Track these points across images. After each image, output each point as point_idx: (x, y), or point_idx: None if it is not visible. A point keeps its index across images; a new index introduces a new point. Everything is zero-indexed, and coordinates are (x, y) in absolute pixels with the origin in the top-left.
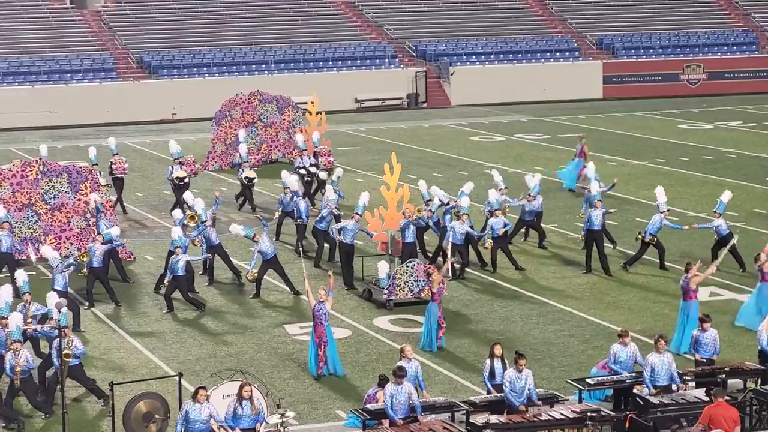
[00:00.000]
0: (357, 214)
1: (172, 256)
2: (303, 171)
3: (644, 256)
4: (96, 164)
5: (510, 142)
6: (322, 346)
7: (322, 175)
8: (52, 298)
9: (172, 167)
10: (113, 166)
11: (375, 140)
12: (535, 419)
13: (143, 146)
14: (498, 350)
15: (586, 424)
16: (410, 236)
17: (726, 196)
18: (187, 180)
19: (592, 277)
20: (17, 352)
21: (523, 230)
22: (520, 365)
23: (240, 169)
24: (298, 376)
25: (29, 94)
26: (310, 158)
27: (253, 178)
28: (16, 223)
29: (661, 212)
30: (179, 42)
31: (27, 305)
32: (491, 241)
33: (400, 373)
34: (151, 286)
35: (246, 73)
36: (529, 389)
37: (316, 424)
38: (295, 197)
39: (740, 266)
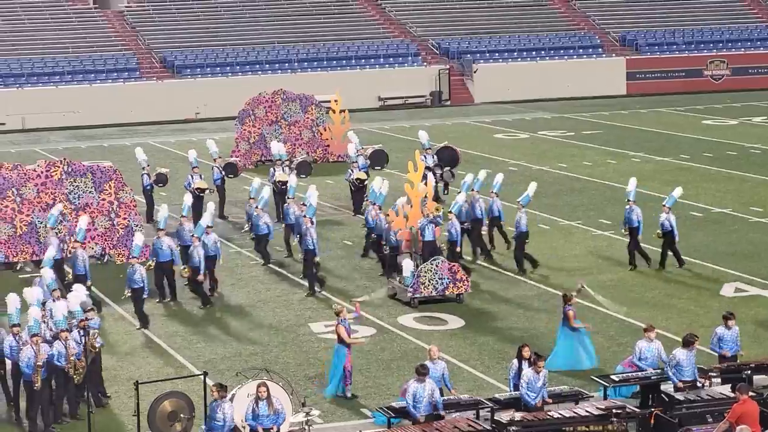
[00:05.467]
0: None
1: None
2: (427, 172)
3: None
4: (196, 167)
5: (533, 139)
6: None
7: (446, 175)
8: (74, 298)
9: (274, 170)
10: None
11: (399, 138)
12: (560, 416)
13: (167, 146)
14: (527, 352)
15: (611, 421)
16: (430, 235)
17: (677, 191)
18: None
19: (617, 274)
20: (37, 346)
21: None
22: (539, 367)
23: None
24: (323, 374)
25: (53, 94)
26: (433, 158)
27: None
28: (41, 223)
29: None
30: (202, 41)
31: (56, 301)
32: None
33: (422, 371)
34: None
35: (269, 71)
36: (542, 389)
37: (341, 422)
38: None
39: (679, 263)
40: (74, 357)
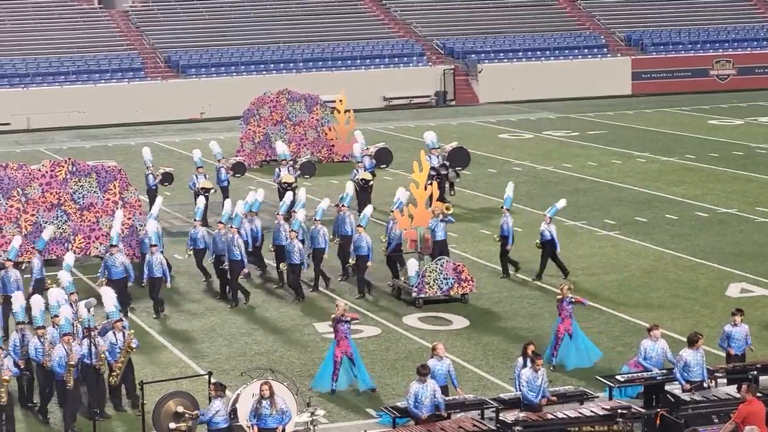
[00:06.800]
0: (360, 226)
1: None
2: (432, 172)
3: (673, 253)
4: (201, 166)
5: (538, 140)
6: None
7: (451, 175)
8: (107, 299)
9: (279, 170)
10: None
11: (403, 138)
12: (565, 416)
13: (172, 146)
14: (531, 350)
15: (616, 421)
16: (441, 234)
17: (561, 202)
18: (294, 185)
19: (622, 274)
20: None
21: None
22: (538, 365)
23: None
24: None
25: (58, 94)
26: (438, 158)
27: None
28: (46, 223)
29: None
30: (207, 41)
31: (74, 305)
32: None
33: (423, 372)
34: (177, 285)
35: (274, 71)
36: (542, 387)
37: (346, 422)
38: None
39: (563, 273)
40: (104, 355)
